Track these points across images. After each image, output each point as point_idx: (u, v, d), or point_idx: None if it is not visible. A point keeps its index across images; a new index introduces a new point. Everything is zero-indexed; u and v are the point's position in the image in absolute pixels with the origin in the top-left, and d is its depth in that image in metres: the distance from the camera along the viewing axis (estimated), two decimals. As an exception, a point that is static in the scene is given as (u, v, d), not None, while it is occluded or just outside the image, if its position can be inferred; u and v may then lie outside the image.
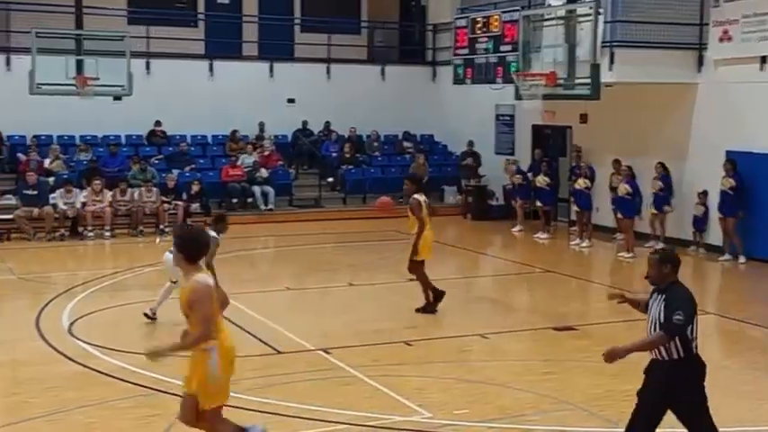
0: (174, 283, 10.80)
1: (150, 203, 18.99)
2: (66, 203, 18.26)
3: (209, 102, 22.16)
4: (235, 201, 20.86)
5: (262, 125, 23.10)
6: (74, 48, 18.97)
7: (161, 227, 18.78)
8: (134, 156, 20.89)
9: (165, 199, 19.14)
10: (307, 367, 9.36)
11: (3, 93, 19.86)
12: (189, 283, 5.93)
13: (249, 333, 10.62)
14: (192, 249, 6.03)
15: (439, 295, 11.85)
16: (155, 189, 19.22)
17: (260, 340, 10.37)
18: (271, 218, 20.51)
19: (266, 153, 22.06)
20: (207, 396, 6.06)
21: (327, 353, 9.82)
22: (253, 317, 11.41)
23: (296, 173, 22.45)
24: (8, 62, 20.70)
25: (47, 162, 19.69)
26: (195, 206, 19.39)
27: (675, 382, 5.92)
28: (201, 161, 22.00)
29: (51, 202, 18.20)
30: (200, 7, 24.51)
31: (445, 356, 10.03)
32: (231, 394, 8.21)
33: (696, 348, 6.00)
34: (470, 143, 22.88)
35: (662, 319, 5.89)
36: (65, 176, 19.23)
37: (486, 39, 19.41)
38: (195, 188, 19.58)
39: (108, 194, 18.67)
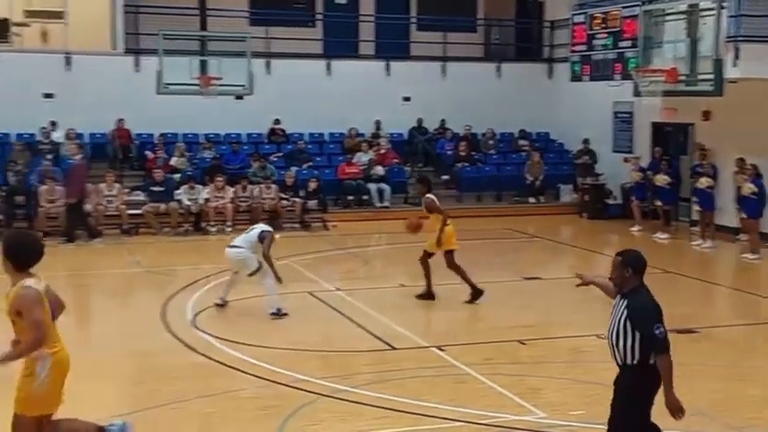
0: (237, 273, 11.70)
1: (269, 200, 19.45)
2: (189, 199, 18.89)
3: (327, 100, 22.50)
4: (351, 198, 21.15)
5: (378, 123, 23.32)
6: (198, 49, 19.61)
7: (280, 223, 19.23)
8: (254, 153, 21.42)
9: (283, 196, 19.57)
10: (421, 364, 9.43)
11: (132, 93, 20.68)
12: (15, 289, 5.67)
13: (364, 329, 10.79)
14: (21, 256, 5.83)
15: (431, 295, 12.35)
16: (274, 186, 19.67)
17: (374, 336, 10.51)
18: (386, 215, 20.68)
19: (382, 151, 22.27)
20: (29, 403, 5.77)
21: (441, 350, 9.88)
22: (367, 313, 11.58)
23: (411, 171, 22.57)
24: (137, 63, 21.53)
25: (173, 160, 20.40)
26: (312, 203, 19.76)
27: (638, 389, 5.78)
28: (319, 159, 22.38)
29: (176, 198, 18.86)
30: (319, 8, 24.91)
31: (560, 356, 9.95)
32: (347, 388, 8.41)
33: (653, 361, 5.72)
34: (586, 141, 22.54)
35: (620, 327, 5.71)
36: (189, 173, 19.89)
37: (604, 35, 19.09)
38: (312, 185, 19.95)
39: (229, 191, 19.21)
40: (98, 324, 11.90)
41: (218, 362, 9.38)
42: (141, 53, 21.42)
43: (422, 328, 10.82)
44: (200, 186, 19.23)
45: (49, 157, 19.51)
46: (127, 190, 19.13)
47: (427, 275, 12.43)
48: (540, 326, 11.23)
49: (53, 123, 20.75)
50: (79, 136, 20.80)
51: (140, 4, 21.92)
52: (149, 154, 20.74)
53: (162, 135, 21.52)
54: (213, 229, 18.75)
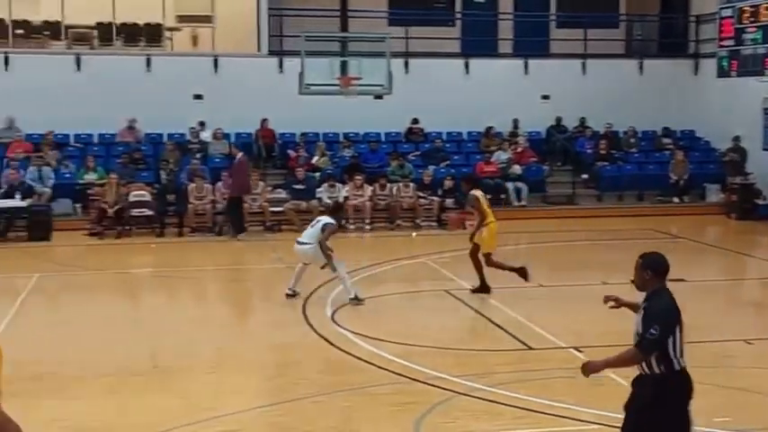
0: (306, 264, 12.22)
1: (407, 198, 19.65)
2: (329, 197, 19.28)
3: (465, 99, 22.51)
4: (488, 197, 21.05)
5: (516, 122, 23.16)
6: (339, 50, 19.99)
7: (417, 221, 19.40)
8: (393, 152, 21.65)
9: (421, 194, 19.72)
10: (558, 365, 9.34)
11: (276, 94, 21.28)
12: None
13: (501, 328, 10.77)
14: None
15: (485, 289, 12.50)
16: (412, 184, 19.85)
17: (511, 335, 10.48)
18: (523, 214, 20.53)
19: (520, 149, 22.11)
20: None
21: (579, 351, 9.75)
22: (505, 312, 11.55)
23: (550, 169, 22.31)
24: (281, 65, 22.14)
25: (314, 158, 20.88)
26: (450, 201, 19.82)
27: (658, 400, 5.42)
28: (456, 157, 22.42)
29: (317, 195, 19.30)
30: (458, 7, 24.95)
31: (705, 361, 9.63)
32: (483, 387, 8.42)
33: (681, 364, 5.46)
34: (737, 138, 21.71)
35: (639, 331, 5.44)
36: (329, 172, 20.32)
37: (753, 29, 18.38)
38: (449, 184, 20.01)
39: (368, 189, 19.51)
40: (242, 318, 12.32)
41: (356, 357, 9.56)
42: (284, 55, 22.00)
43: (559, 328, 10.70)
44: (339, 184, 19.61)
45: (198, 156, 20.33)
46: (270, 188, 19.70)
47: (479, 271, 12.60)
48: (685, 330, 10.90)
49: (202, 124, 21.59)
50: (226, 136, 21.57)
51: (284, 6, 22.53)
52: (292, 153, 21.29)
53: (303, 135, 22.06)
54: (352, 227, 19.08)
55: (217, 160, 20.99)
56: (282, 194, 19.55)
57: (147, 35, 23.40)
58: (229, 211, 18.34)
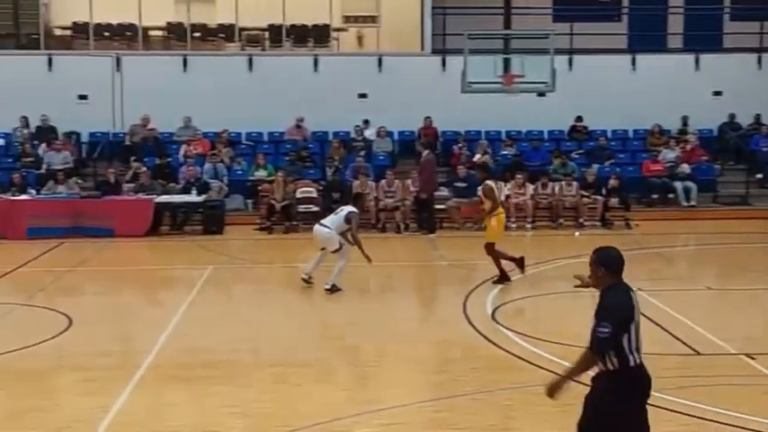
0: (323, 250, 12.80)
1: (570, 197, 19.37)
2: (491, 196, 19.24)
3: (631, 96, 21.99)
4: (655, 196, 20.52)
5: (685, 119, 22.41)
6: (502, 47, 19.92)
7: (580, 220, 19.10)
8: (555, 150, 21.39)
9: (584, 193, 19.39)
10: (727, 371, 9.01)
11: (438, 92, 21.45)
12: None
13: (667, 332, 10.48)
14: None
15: (519, 262, 13.26)
16: (575, 183, 19.55)
17: (678, 340, 10.18)
18: (692, 215, 19.86)
19: (689, 148, 21.36)
20: None
21: (752, 358, 9.37)
22: (671, 315, 11.22)
23: (721, 168, 21.46)
24: (443, 63, 22.29)
25: (476, 156, 20.90)
26: (614, 201, 19.40)
27: (612, 396, 5.30)
28: (621, 156, 21.91)
29: (478, 194, 19.27)
30: (625, 1, 24.36)
31: None
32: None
33: (637, 360, 5.32)
34: None
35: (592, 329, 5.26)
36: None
37: None
38: (614, 183, 19.58)
39: (530, 188, 19.36)
40: (403, 313, 12.50)
41: (516, 356, 9.54)
42: (447, 53, 22.13)
43: (729, 333, 10.31)
44: (501, 183, 19.53)
45: (362, 153, 20.75)
46: (432, 186, 19.85)
47: (496, 261, 13.12)
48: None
49: (366, 122, 22.03)
50: (389, 134, 21.93)
51: (447, 5, 22.65)
52: (455, 149, 21.39)
53: (465, 132, 22.13)
54: (513, 226, 18.97)
55: (380, 158, 21.37)
56: (444, 192, 19.67)
57: (314, 36, 24.08)
58: (419, 210, 18.59)
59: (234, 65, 22.50)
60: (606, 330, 5.27)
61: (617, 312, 5.35)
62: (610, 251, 5.57)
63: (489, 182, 13.44)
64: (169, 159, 20.47)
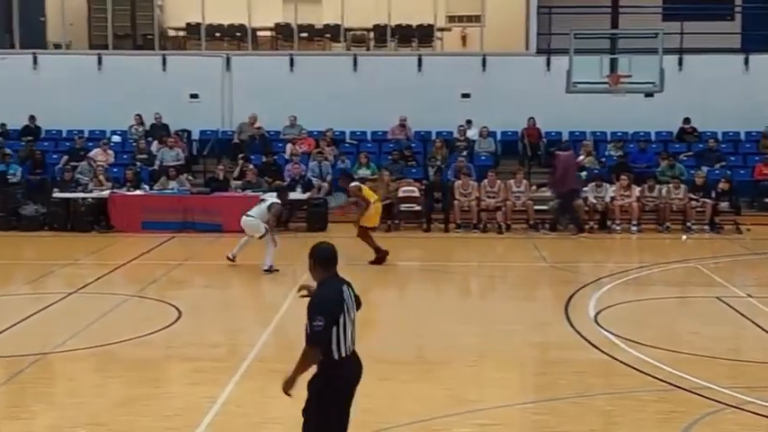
0: (251, 237, 14.37)
1: (677, 200, 18.94)
2: (596, 197, 19.00)
3: (743, 97, 21.38)
4: (767, 200, 19.88)
5: (801, 120, 21.65)
6: (608, 47, 19.62)
7: (688, 224, 18.66)
8: (663, 152, 20.95)
9: (692, 196, 18.94)
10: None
11: (542, 92, 21.28)
12: None
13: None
14: None
15: (382, 255, 14.94)
16: (683, 186, 19.11)
17: (789, 349, 9.89)
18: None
19: (805, 150, 20.65)
20: None
21: None
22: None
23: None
24: (548, 63, 22.10)
25: (580, 157, 20.65)
26: (724, 204, 18.89)
27: (316, 387, 5.51)
28: (732, 159, 21.33)
29: (583, 195, 19.08)
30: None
31: None
32: (755, 401, 8.03)
33: (343, 352, 5.47)
34: None
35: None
36: (596, 171, 20.01)
37: None
38: (724, 186, 19.05)
39: (636, 190, 19.01)
40: (504, 314, 12.46)
41: (620, 361, 9.41)
42: (552, 53, 21.93)
43: None
44: (606, 184, 19.26)
45: (464, 153, 20.75)
46: (534, 187, 19.72)
47: (370, 244, 14.97)
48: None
49: (468, 122, 22.02)
50: (491, 134, 21.87)
51: (553, 5, 22.44)
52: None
53: (570, 133, 21.88)
54: (618, 228, 18.69)
55: (483, 158, 21.34)
56: (548, 193, 19.49)
57: (419, 36, 24.19)
58: (564, 210, 18.49)
59: (339, 65, 22.80)
60: (320, 324, 5.39)
61: (328, 306, 5.47)
62: (323, 246, 5.71)
63: (354, 183, 15.42)
64: (275, 157, 20.88)
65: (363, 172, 20.48)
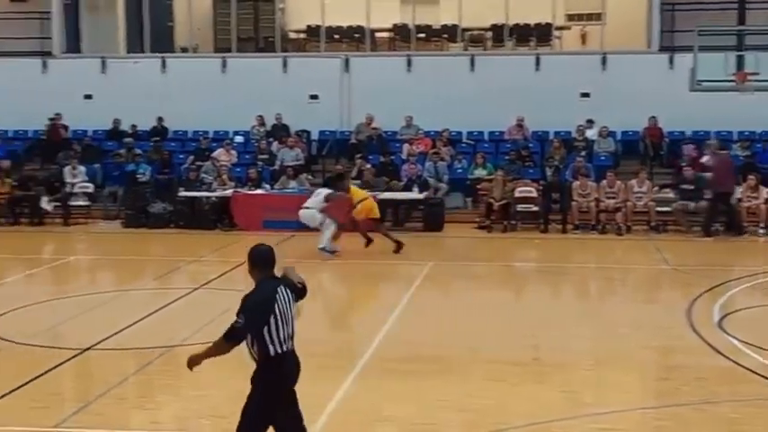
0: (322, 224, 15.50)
1: (808, 201, 18.18)
2: (720, 199, 18.40)
3: None
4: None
5: None
6: (735, 43, 18.99)
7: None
8: (792, 152, 20.16)
9: (824, 197, 18.14)
10: None
11: (665, 91, 20.76)
12: None
13: None
14: None
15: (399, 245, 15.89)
16: (813, 186, 18.33)
17: None
18: None
19: None
20: None
21: None
22: None
23: None
24: (671, 61, 21.53)
25: (703, 158, 20.02)
26: None
27: (253, 383, 5.74)
28: None
29: (705, 197, 18.47)
30: None
31: None
32: None
33: (279, 350, 5.64)
34: None
35: None
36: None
37: None
38: None
39: (764, 191, 18.33)
40: (623, 316, 12.22)
41: (745, 367, 9.10)
42: (676, 50, 21.37)
43: None
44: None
45: (583, 153, 20.44)
46: (656, 188, 19.26)
47: (385, 234, 16.03)
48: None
49: (589, 121, 21.67)
50: (611, 134, 21.46)
51: (677, 1, 21.87)
52: (685, 151, 20.60)
53: (693, 133, 21.28)
54: (746, 231, 18.05)
55: (602, 158, 20.97)
56: (670, 194, 19.00)
57: (537, 35, 23.95)
58: (714, 212, 18.06)
59: (456, 65, 22.79)
60: (241, 322, 5.59)
61: (255, 306, 5.63)
62: (261, 248, 5.85)
63: (338, 193, 15.97)
64: (392, 157, 21.04)
65: (480, 172, 20.43)
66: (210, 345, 5.77)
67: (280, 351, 5.70)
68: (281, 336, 5.71)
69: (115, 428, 7.49)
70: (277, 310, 5.68)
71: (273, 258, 5.85)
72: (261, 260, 5.83)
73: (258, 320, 5.62)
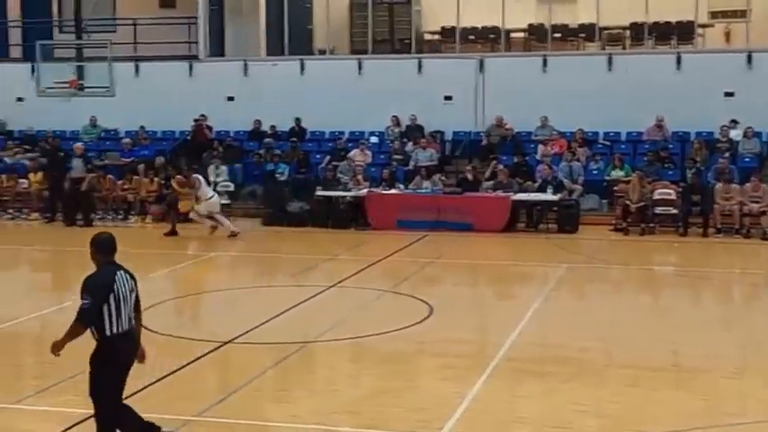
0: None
1: None
2: None
3: None
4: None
5: None
6: None
7: None
8: None
9: None
10: None
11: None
12: None
13: None
14: None
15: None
16: None
17: None
18: None
19: None
20: None
21: None
22: None
23: None
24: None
25: None
26: None
27: (91, 361, 6.27)
28: None
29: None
30: None
31: None
32: None
33: (114, 330, 6.21)
34: None
35: None
36: None
37: None
38: None
39: None
40: (765, 324, 11.76)
41: None
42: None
43: None
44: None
45: (726, 155, 19.73)
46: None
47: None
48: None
49: (733, 122, 20.91)
50: (757, 134, 20.66)
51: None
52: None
53: None
54: None
55: (746, 160, 20.19)
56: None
57: (678, 33, 23.27)
58: None
59: (593, 64, 22.39)
60: (87, 302, 6.13)
61: (95, 288, 6.18)
62: (101, 236, 6.44)
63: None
64: (526, 158, 20.87)
65: (617, 173, 20.02)
66: (67, 329, 6.24)
67: (117, 331, 6.26)
68: (121, 317, 6.28)
69: (255, 420, 7.75)
70: (116, 291, 6.25)
71: (114, 246, 6.43)
72: (101, 247, 6.39)
73: (101, 301, 6.19)
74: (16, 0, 27.24)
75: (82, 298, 6.17)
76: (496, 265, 15.78)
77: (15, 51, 26.67)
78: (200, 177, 18.42)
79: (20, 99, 24.26)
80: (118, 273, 6.34)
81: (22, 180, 21.92)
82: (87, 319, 6.17)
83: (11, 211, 21.52)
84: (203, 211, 18.02)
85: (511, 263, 16.11)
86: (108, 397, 6.31)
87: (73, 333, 6.22)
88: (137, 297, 6.53)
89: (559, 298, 12.95)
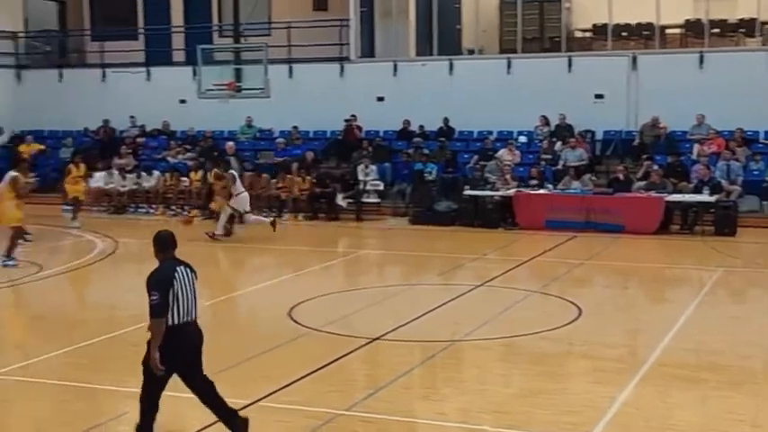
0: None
1: None
2: None
3: None
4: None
5: None
6: None
7: None
8: None
9: None
10: None
11: None
12: None
13: None
14: None
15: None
16: None
17: None
18: None
19: None
20: None
21: None
22: None
23: None
24: None
25: None
26: None
27: (168, 348, 6.43)
28: None
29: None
30: None
31: None
32: None
33: (176, 321, 6.47)
34: None
35: None
36: None
37: None
38: None
39: None
40: None
41: None
42: None
43: None
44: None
45: None
46: None
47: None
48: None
49: None
50: None
51: None
52: None
53: None
54: None
55: None
56: None
57: None
58: None
59: (753, 60, 21.47)
60: (155, 297, 6.38)
61: (157, 283, 6.43)
62: (160, 233, 6.72)
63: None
64: (681, 158, 20.24)
65: (779, 174, 19.16)
66: (149, 338, 6.50)
67: (178, 322, 6.52)
68: (183, 309, 6.53)
69: (403, 416, 7.87)
70: (176, 286, 6.49)
71: (173, 242, 6.73)
72: (159, 243, 6.71)
73: (165, 293, 6.43)
74: (179, 7, 28.53)
75: (150, 295, 6.44)
76: (649, 267, 15.38)
77: (178, 56, 27.91)
78: (235, 173, 18.64)
79: (182, 101, 25.35)
80: (178, 268, 6.63)
81: (183, 178, 22.94)
82: (160, 312, 6.45)
83: (174, 207, 22.53)
84: (236, 206, 18.01)
85: (664, 265, 15.66)
86: (149, 383, 6.61)
87: (155, 333, 6.48)
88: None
89: (715, 303, 12.52)
